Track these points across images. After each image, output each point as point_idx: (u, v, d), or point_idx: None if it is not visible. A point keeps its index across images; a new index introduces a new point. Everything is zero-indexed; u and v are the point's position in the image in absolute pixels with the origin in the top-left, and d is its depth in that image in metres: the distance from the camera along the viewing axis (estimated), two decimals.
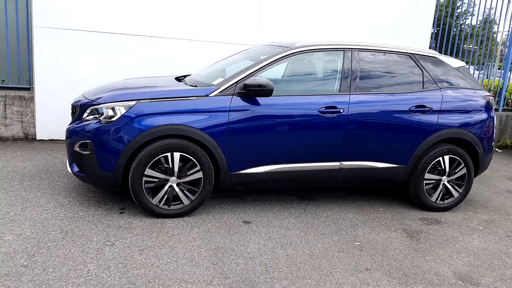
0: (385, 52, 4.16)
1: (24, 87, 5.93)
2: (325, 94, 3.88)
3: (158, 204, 3.55)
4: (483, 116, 4.33)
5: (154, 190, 3.55)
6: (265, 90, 3.53)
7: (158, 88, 3.72)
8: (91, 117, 3.56)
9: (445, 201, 4.33)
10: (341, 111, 3.82)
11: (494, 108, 4.50)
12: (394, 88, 4.11)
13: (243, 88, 3.57)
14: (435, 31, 7.91)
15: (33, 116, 5.78)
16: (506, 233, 3.92)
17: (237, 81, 3.65)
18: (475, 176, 4.50)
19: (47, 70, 5.61)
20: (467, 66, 4.61)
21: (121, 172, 3.44)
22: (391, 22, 7.00)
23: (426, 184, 4.23)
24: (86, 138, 3.46)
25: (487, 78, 8.74)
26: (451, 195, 4.33)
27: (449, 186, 4.29)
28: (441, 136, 4.14)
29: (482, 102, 4.35)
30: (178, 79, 4.38)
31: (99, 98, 3.63)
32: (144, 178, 3.46)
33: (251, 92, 3.56)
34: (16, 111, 5.72)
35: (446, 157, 4.20)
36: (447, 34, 7.89)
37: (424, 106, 4.08)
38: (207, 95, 3.59)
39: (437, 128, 4.12)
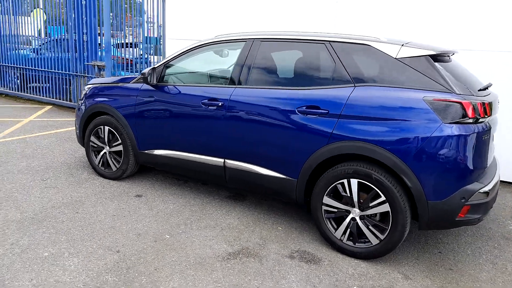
0: (296, 41, 3.43)
1: None
2: (214, 86, 3.71)
3: (98, 165, 4.57)
4: (427, 129, 2.78)
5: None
6: (144, 78, 3.88)
7: (114, 77, 4.70)
8: None
9: (357, 244, 3.10)
10: (220, 104, 3.56)
11: (464, 122, 2.75)
12: (292, 82, 3.35)
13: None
14: None
15: None
16: None
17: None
18: (423, 228, 2.94)
19: None
20: (430, 55, 2.88)
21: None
22: None
23: (327, 211, 3.19)
24: None
25: None
26: (368, 240, 3.05)
27: (361, 224, 3.05)
28: (335, 151, 3.04)
29: (427, 109, 2.78)
30: None
31: None
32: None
33: (144, 79, 3.97)
34: None
35: (354, 181, 3.02)
36: None
37: (318, 108, 3.12)
38: (129, 82, 4.26)
39: (332, 139, 3.05)
